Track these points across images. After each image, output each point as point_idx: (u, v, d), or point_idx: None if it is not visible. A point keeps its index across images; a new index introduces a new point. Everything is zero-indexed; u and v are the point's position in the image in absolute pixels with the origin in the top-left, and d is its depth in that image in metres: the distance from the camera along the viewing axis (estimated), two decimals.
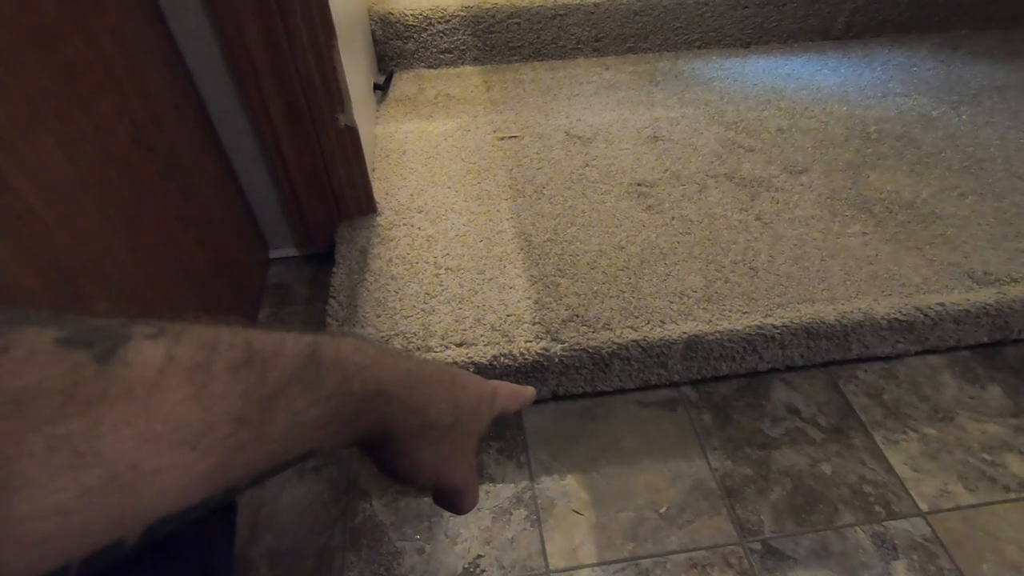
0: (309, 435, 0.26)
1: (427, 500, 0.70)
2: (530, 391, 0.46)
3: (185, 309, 0.68)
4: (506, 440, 0.76)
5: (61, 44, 0.48)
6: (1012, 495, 0.71)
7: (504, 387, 0.43)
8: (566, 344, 0.73)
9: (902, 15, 1.43)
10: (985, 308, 0.79)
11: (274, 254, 1.00)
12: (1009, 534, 0.68)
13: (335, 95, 0.77)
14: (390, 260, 0.84)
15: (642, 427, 0.78)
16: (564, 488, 0.72)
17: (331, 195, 0.88)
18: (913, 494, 0.71)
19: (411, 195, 0.96)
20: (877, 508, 0.70)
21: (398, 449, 0.32)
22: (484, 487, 0.72)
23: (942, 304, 0.78)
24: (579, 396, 0.79)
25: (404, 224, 0.90)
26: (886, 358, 0.85)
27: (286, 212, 0.92)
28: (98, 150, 0.51)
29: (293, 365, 0.25)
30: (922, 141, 1.08)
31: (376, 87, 1.20)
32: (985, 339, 0.85)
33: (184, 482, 0.21)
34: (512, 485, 0.72)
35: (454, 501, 0.38)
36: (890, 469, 0.73)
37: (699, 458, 0.75)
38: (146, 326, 0.22)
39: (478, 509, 0.70)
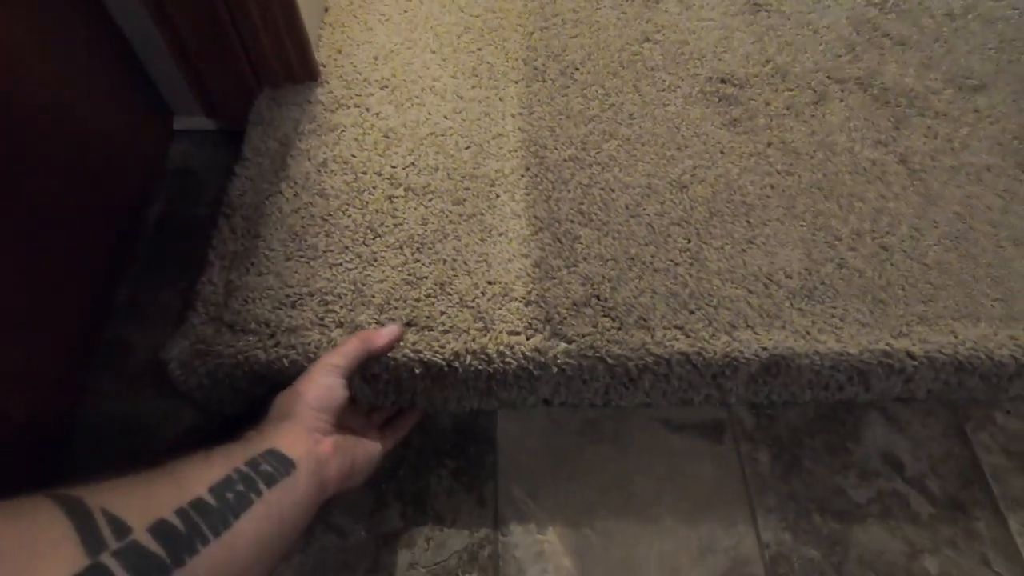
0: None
1: (333, 541, 0.48)
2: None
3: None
4: (467, 458, 0.52)
5: None
6: None
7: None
8: (573, 346, 0.45)
9: None
10: None
11: (180, 124, 0.70)
12: None
13: None
14: (324, 164, 0.55)
15: (668, 462, 0.53)
16: (541, 547, 0.49)
17: (241, 48, 0.56)
18: None
19: (374, 58, 0.63)
20: None
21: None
22: (425, 531, 0.49)
23: None
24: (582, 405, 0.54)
25: (356, 105, 0.59)
26: None
27: (182, 67, 0.60)
28: None
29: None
30: None
31: None
32: None
33: None
34: (467, 532, 0.49)
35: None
36: None
37: (745, 522, 0.51)
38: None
39: (411, 565, 0.47)
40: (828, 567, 0.49)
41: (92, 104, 0.54)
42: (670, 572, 0.48)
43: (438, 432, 0.53)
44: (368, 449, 0.41)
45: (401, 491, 0.50)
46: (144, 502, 0.27)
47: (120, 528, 0.24)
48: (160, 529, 0.26)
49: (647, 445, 0.54)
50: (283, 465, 0.33)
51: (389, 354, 0.45)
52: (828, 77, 0.65)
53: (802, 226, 0.53)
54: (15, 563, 0.21)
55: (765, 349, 0.46)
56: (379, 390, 0.47)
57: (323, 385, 0.39)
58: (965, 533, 0.51)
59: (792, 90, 0.63)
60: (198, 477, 0.30)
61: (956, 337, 0.47)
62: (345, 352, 0.42)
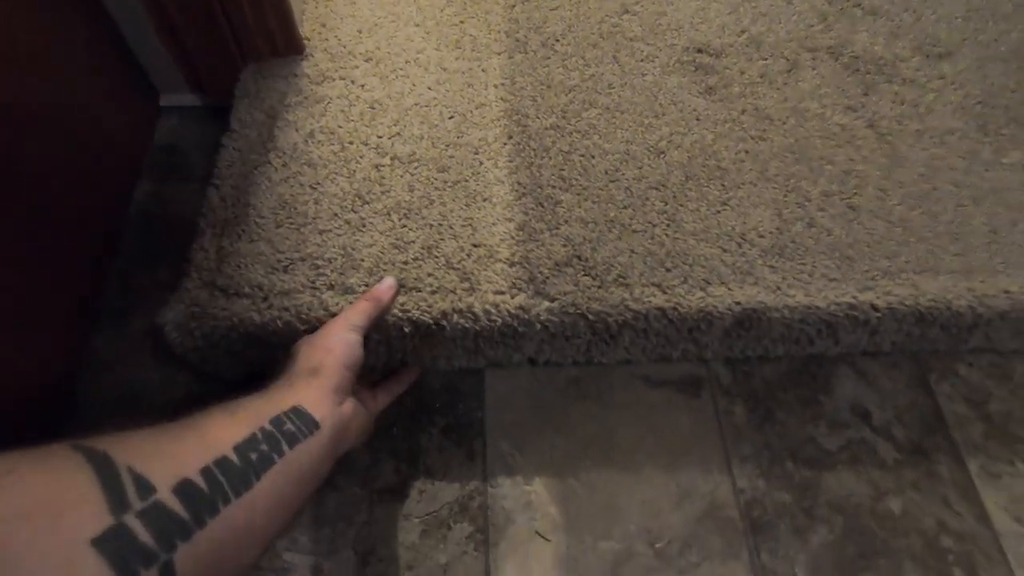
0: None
1: (330, 495, 0.50)
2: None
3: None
4: (456, 415, 0.54)
5: None
6: None
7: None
8: (556, 303, 0.48)
9: None
10: None
11: (166, 101, 0.71)
12: None
13: None
14: (311, 135, 0.56)
15: (648, 416, 0.55)
16: (528, 498, 0.51)
17: (226, 23, 0.57)
18: (1010, 556, 0.51)
19: (358, 31, 0.64)
20: (955, 571, 0.50)
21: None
22: (418, 484, 0.51)
23: None
24: (566, 363, 0.56)
25: (341, 77, 0.60)
26: (1001, 352, 0.61)
27: (166, 43, 0.61)
28: None
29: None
30: None
31: None
32: None
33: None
34: (457, 485, 0.51)
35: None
36: (983, 516, 0.53)
37: (721, 470, 0.53)
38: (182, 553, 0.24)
39: (405, 516, 0.50)
40: (799, 510, 0.52)
41: (84, 85, 0.55)
42: (651, 517, 0.51)
43: (428, 391, 0.55)
44: (367, 410, 0.43)
45: (394, 448, 0.53)
46: (169, 460, 0.26)
47: (145, 487, 0.24)
48: (184, 489, 0.26)
49: (628, 400, 0.56)
50: (307, 425, 0.34)
51: (392, 314, 0.47)
52: (800, 46, 0.66)
53: (774, 188, 0.55)
54: (41, 518, 0.21)
55: (738, 303, 0.48)
56: (370, 350, 0.48)
57: (349, 342, 0.40)
58: (927, 476, 0.54)
59: (766, 59, 0.65)
60: (223, 434, 0.29)
61: (917, 289, 0.50)
62: (362, 310, 0.43)
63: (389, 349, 0.49)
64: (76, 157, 0.54)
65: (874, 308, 0.49)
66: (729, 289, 0.49)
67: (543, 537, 0.50)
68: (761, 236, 0.52)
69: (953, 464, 0.55)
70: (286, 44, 0.61)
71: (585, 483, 0.52)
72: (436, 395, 0.55)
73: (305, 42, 0.62)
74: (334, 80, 0.60)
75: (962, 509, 0.53)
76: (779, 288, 0.49)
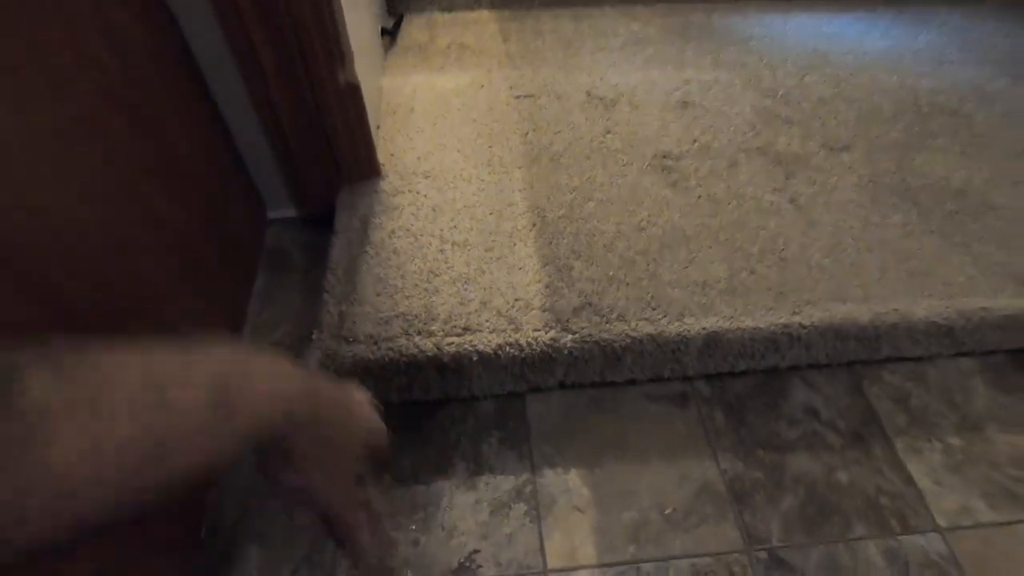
0: (206, 467, 0.25)
1: (422, 488, 0.68)
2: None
3: (168, 278, 0.63)
4: (508, 429, 0.73)
5: None
6: None
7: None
8: (577, 335, 0.68)
9: None
10: None
11: (273, 214, 0.95)
12: None
13: (334, 48, 0.69)
14: (393, 232, 0.79)
15: (651, 422, 0.74)
16: (566, 483, 0.69)
17: (330, 157, 0.82)
18: (932, 509, 0.68)
19: (418, 158, 0.89)
20: (892, 522, 0.67)
21: (291, 463, 0.32)
22: (484, 478, 0.69)
23: (986, 309, 0.72)
24: (586, 386, 0.75)
25: (409, 191, 0.84)
26: (916, 359, 0.80)
27: (283, 173, 0.86)
28: (55, 108, 0.45)
29: (195, 410, 0.24)
30: (977, 119, 0.99)
31: (384, 32, 1.10)
32: None
33: (62, 523, 0.20)
34: (513, 478, 0.69)
35: (347, 533, 0.37)
36: (909, 480, 0.70)
37: (708, 459, 0.71)
38: (38, 359, 0.20)
39: (477, 501, 0.67)
40: (770, 484, 0.69)
41: (223, 198, 0.79)
42: (659, 494, 0.68)
43: (485, 414, 0.74)
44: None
45: (464, 455, 0.71)
46: None
47: None
48: None
49: (635, 412, 0.75)
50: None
51: (452, 348, 0.67)
52: (738, 149, 0.91)
53: (724, 249, 0.77)
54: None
55: (704, 328, 0.69)
56: (446, 379, 0.68)
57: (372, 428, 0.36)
58: (865, 455, 0.72)
59: (713, 159, 0.90)
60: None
61: (831, 312, 0.70)
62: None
63: (459, 376, 0.69)
64: (220, 249, 0.76)
65: (802, 327, 0.69)
66: (697, 319, 0.69)
67: (580, 511, 0.67)
68: (717, 282, 0.73)
69: (884, 445, 0.73)
70: (370, 170, 0.85)
71: (608, 472, 0.70)
72: (491, 416, 0.74)
73: (381, 167, 0.87)
74: (404, 193, 0.84)
75: (893, 477, 0.70)
76: (733, 317, 0.70)
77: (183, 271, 0.65)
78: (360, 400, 0.37)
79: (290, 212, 0.94)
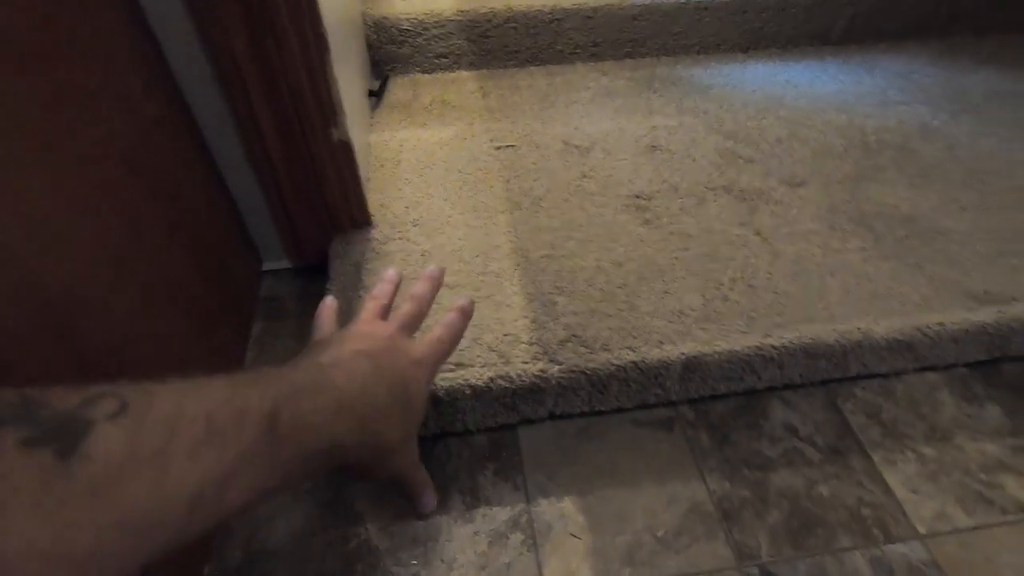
0: (261, 499, 0.27)
1: (422, 524, 0.69)
2: (463, 315, 0.52)
3: (182, 329, 0.66)
4: (502, 461, 0.75)
5: (44, 70, 0.46)
6: (1010, 517, 0.71)
7: (430, 352, 0.46)
8: (564, 366, 0.72)
9: (902, 20, 1.41)
10: (984, 327, 0.79)
11: (267, 266, 0.99)
12: (1006, 558, 0.68)
13: (328, 110, 0.75)
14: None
15: (639, 448, 0.77)
16: (561, 511, 0.71)
17: (324, 209, 0.87)
18: (911, 517, 0.71)
19: (406, 207, 0.94)
20: (875, 531, 0.70)
21: (350, 469, 0.36)
22: (480, 510, 0.71)
23: (941, 324, 0.77)
24: (575, 416, 0.79)
25: (399, 238, 0.89)
26: (884, 375, 0.84)
27: (278, 226, 0.90)
28: (84, 180, 0.50)
29: (252, 440, 0.27)
30: (922, 152, 1.08)
31: (371, 93, 1.18)
32: (984, 357, 0.84)
33: (134, 562, 0.22)
34: (508, 508, 0.71)
35: (415, 492, 0.45)
36: (888, 491, 0.73)
37: (696, 480, 0.74)
38: (108, 403, 0.23)
39: (475, 533, 0.69)
40: (756, 500, 0.72)
41: (222, 248, 0.83)
42: (650, 516, 0.71)
43: (479, 446, 0.77)
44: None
45: (461, 488, 0.73)
46: None
47: None
48: None
49: (623, 439, 0.78)
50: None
51: (446, 383, 0.70)
52: (705, 187, 0.98)
53: (697, 280, 0.82)
54: None
55: (683, 354, 0.73)
56: (443, 413, 0.71)
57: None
58: (844, 468, 0.75)
59: (683, 198, 0.96)
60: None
61: (800, 333, 0.75)
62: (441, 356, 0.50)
63: (454, 410, 0.72)
64: (220, 300, 0.80)
65: (773, 348, 0.74)
66: (676, 345, 0.74)
67: (575, 537, 0.69)
68: (693, 310, 0.78)
69: (861, 458, 0.76)
70: (361, 220, 0.90)
71: (600, 498, 0.72)
72: (485, 448, 0.77)
73: (372, 217, 0.92)
74: (395, 240, 0.89)
75: (872, 488, 0.73)
76: (709, 342, 0.74)
77: (188, 322, 0.68)
78: (414, 377, 0.41)
79: (285, 263, 0.99)
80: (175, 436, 0.23)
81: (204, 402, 0.26)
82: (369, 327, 0.44)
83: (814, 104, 1.20)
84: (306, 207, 0.86)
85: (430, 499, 0.40)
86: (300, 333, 0.89)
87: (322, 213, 0.87)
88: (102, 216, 0.51)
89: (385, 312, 0.49)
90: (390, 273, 0.52)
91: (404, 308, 0.48)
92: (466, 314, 0.50)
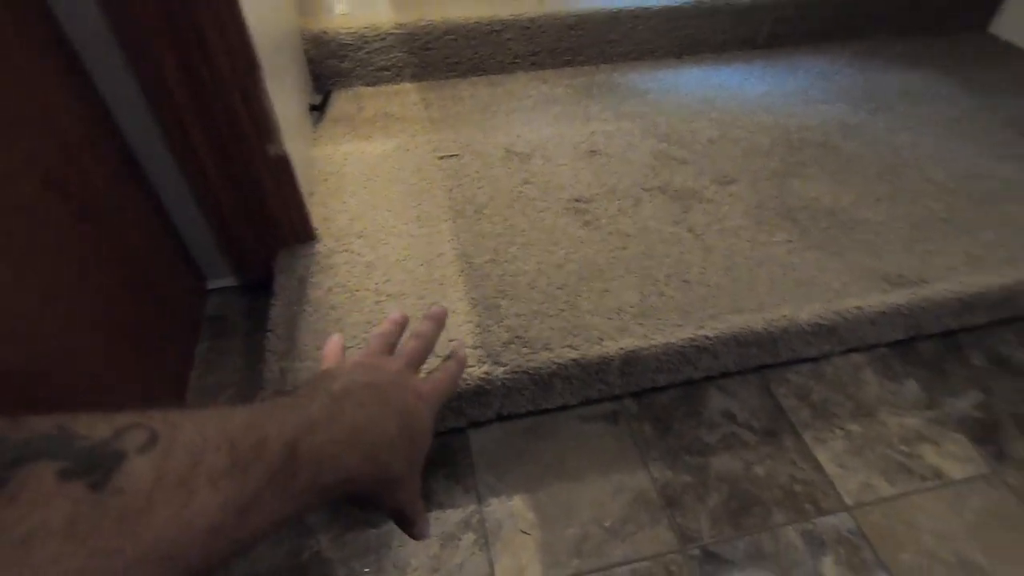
0: (277, 527, 0.28)
1: (374, 532, 0.70)
2: (460, 363, 0.52)
3: (116, 353, 0.66)
4: (453, 465, 0.77)
5: None
6: (928, 484, 0.77)
7: (434, 389, 0.46)
8: (507, 367, 0.74)
9: (823, 23, 1.50)
10: (898, 308, 0.84)
11: (212, 284, 0.98)
12: (925, 523, 0.73)
13: (263, 127, 0.76)
14: (330, 289, 0.84)
15: (585, 442, 0.79)
16: (511, 509, 0.73)
17: (266, 225, 0.87)
18: (839, 490, 0.75)
19: (350, 220, 0.95)
20: (807, 506, 0.74)
21: (356, 499, 0.36)
22: (433, 514, 0.72)
23: (859, 307, 0.83)
24: (523, 415, 0.81)
25: (344, 251, 0.90)
26: (814, 359, 0.89)
27: (220, 243, 0.90)
28: (2, 201, 0.49)
29: (271, 470, 0.27)
30: (842, 148, 1.15)
31: (312, 108, 1.18)
32: (901, 336, 0.90)
33: None
34: (460, 510, 0.73)
35: (407, 527, 0.42)
36: (818, 467, 0.78)
37: (640, 470, 0.77)
38: (139, 434, 0.23)
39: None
40: (697, 484, 0.76)
41: (166, 273, 0.82)
42: (598, 507, 0.73)
43: (430, 452, 0.78)
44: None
45: None
46: None
47: None
48: None
49: (570, 434, 0.80)
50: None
51: None
52: (641, 189, 1.02)
53: (635, 277, 0.86)
54: None
55: (622, 349, 0.76)
56: None
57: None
58: (778, 449, 0.80)
59: (620, 200, 1.00)
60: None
61: (731, 324, 0.79)
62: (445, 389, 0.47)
63: None
64: (159, 322, 0.79)
65: (707, 338, 0.78)
66: (615, 341, 0.77)
67: (525, 533, 0.70)
68: (631, 307, 0.81)
69: (794, 438, 0.81)
70: (304, 234, 0.91)
71: (549, 493, 0.74)
72: (436, 452, 0.78)
73: (316, 231, 0.92)
74: (339, 252, 0.89)
75: (804, 466, 0.78)
76: (646, 336, 0.77)
77: (121, 344, 0.68)
78: (420, 411, 0.42)
79: (229, 281, 0.98)
80: (199, 465, 0.24)
81: (226, 432, 0.26)
82: (377, 360, 0.45)
83: (743, 106, 1.26)
84: (247, 223, 0.86)
85: (426, 528, 0.40)
86: (247, 350, 0.88)
87: (264, 229, 0.87)
88: (20, 238, 0.51)
89: (391, 349, 0.50)
90: (396, 315, 0.53)
91: (410, 345, 0.49)
92: (463, 363, 0.53)
